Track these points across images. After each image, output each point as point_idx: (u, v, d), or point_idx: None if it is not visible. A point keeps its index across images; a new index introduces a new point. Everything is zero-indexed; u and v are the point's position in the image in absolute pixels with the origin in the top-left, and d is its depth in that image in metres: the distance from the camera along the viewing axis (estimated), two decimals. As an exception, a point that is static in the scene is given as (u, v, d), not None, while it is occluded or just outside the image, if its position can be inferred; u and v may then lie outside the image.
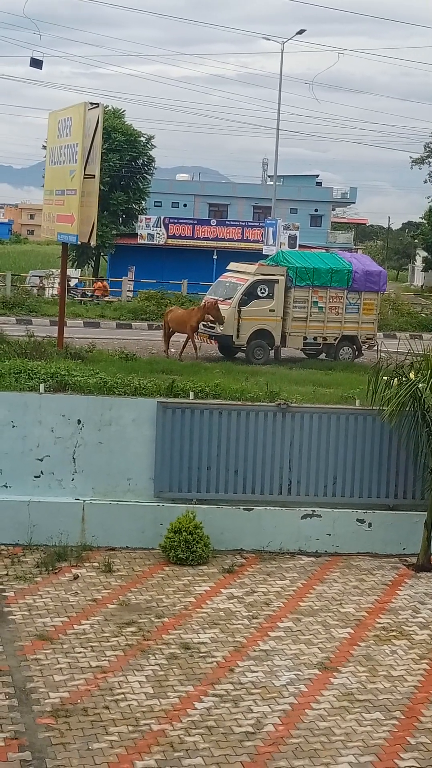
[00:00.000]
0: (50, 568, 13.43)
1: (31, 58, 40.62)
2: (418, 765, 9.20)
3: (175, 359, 25.40)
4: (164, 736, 9.44)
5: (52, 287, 44.00)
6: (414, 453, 14.92)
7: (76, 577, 13.27)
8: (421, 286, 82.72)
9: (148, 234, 55.53)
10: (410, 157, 66.14)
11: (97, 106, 21.59)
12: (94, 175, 21.36)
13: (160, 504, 14.71)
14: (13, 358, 18.27)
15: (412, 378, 14.56)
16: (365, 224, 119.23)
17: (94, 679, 10.50)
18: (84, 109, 21.18)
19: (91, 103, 21.70)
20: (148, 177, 56.54)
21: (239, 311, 27.40)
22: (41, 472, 14.62)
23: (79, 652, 11.09)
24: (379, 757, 9.31)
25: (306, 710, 10.13)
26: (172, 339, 27.60)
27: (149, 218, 56.81)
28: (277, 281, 27.95)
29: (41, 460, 14.61)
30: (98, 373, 17.20)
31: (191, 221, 59.67)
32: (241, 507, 14.84)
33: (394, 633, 12.23)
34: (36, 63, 40.61)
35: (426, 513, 14.58)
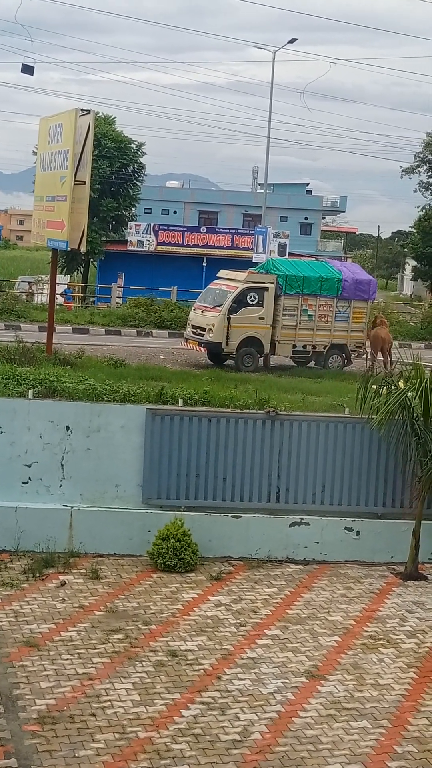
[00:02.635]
0: (37, 575, 13.39)
1: (22, 64, 40.57)
2: (404, 774, 9.19)
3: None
4: (151, 744, 9.42)
5: (42, 293, 43.92)
6: (402, 461, 14.94)
7: (63, 584, 13.23)
8: (411, 295, 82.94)
9: (138, 241, 55.51)
10: (400, 167, 66.12)
11: (88, 113, 21.58)
12: (85, 182, 21.34)
13: (148, 511, 14.69)
14: (1, 364, 18.21)
15: (401, 387, 14.59)
16: (355, 233, 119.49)
17: (80, 686, 10.47)
18: (75, 116, 21.16)
19: (82, 110, 21.68)
20: (138, 184, 56.50)
21: (229, 318, 27.37)
22: (29, 478, 14.59)
23: (66, 659, 11.06)
24: (366, 765, 9.31)
25: (293, 718, 10.12)
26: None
27: (139, 225, 56.79)
28: (266, 289, 27.95)
29: (29, 466, 14.58)
30: (87, 379, 17.17)
31: (181, 228, 59.69)
32: (230, 514, 14.84)
33: (381, 641, 12.23)
34: (27, 69, 40.56)
35: (414, 521, 14.59)
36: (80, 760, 9.04)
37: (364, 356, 29.41)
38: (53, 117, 23.37)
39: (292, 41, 51.46)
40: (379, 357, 28.43)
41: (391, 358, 27.74)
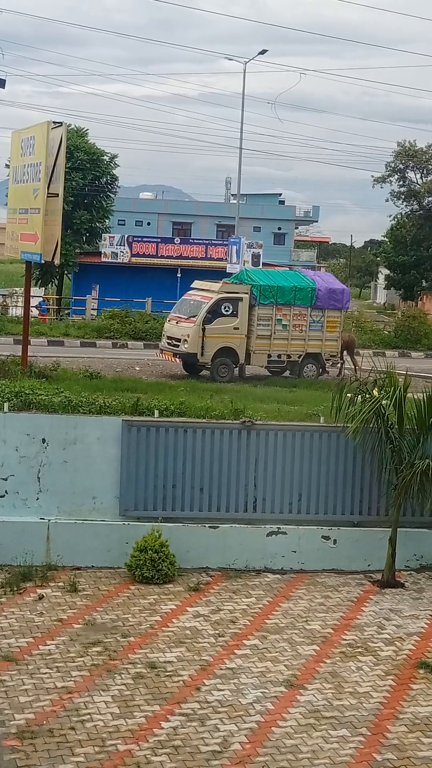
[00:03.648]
0: (15, 589, 13.33)
1: (-6, 77, 40.49)
2: (384, 781, 9.22)
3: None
4: (131, 757, 9.40)
5: (16, 306, 43.83)
6: (378, 469, 15.00)
7: (41, 597, 13.19)
8: (384, 303, 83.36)
9: (112, 252, 55.53)
10: (372, 176, 66.60)
11: (61, 125, 21.63)
12: (58, 194, 21.35)
13: (126, 522, 14.68)
14: (-24, 377, 18.17)
15: (375, 395, 14.66)
16: (328, 242, 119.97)
17: (59, 699, 10.43)
18: (47, 128, 21.20)
19: (55, 122, 21.73)
20: (112, 195, 56.57)
21: (203, 329, 27.45)
22: (5, 492, 14.54)
23: (45, 673, 11.02)
24: (346, 773, 9.32)
25: (273, 728, 10.13)
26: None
27: (113, 237, 56.81)
28: (241, 299, 28.05)
29: (5, 479, 14.53)
30: (63, 391, 17.15)
31: (155, 239, 59.76)
32: (207, 525, 14.84)
33: (359, 649, 12.26)
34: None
35: (390, 529, 14.65)
36: (60, 774, 9.01)
37: (339, 365, 29.55)
38: (25, 130, 23.39)
39: (262, 52, 51.79)
40: (347, 357, 28.75)
41: (354, 359, 28.12)
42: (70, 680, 10.89)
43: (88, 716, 10.12)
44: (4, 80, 40.88)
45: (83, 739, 9.65)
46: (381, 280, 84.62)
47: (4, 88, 40.65)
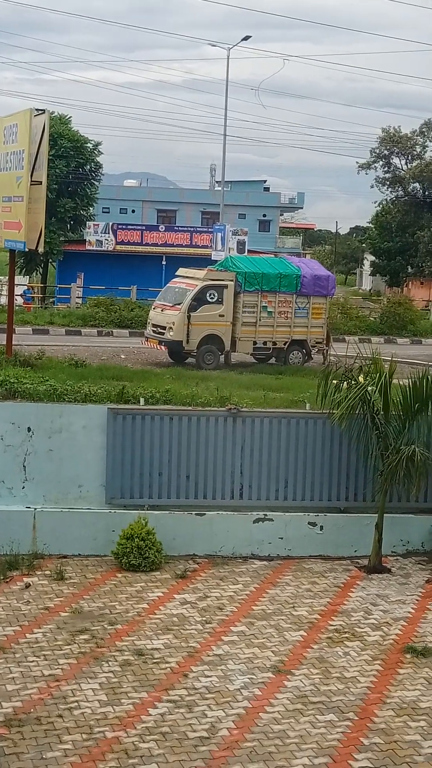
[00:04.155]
0: (1, 577, 13.33)
1: (-24, 64, 40.31)
2: (371, 765, 9.27)
3: None
4: (118, 744, 9.41)
5: (0, 294, 43.66)
6: (364, 455, 15.03)
7: (27, 586, 13.18)
8: (370, 290, 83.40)
9: (97, 240, 55.35)
10: (357, 163, 66.59)
11: (43, 113, 21.45)
12: (41, 182, 21.20)
13: (112, 510, 14.67)
14: (-39, 366, 18.08)
15: (361, 381, 14.67)
16: (313, 229, 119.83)
17: (47, 687, 10.44)
18: (30, 116, 21.04)
19: (37, 110, 21.55)
20: (96, 183, 56.29)
21: (189, 317, 27.38)
22: (-9, 481, 14.50)
23: (32, 661, 11.02)
24: (333, 758, 9.37)
25: (260, 714, 10.16)
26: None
27: (97, 224, 56.60)
28: (226, 286, 27.98)
29: (-9, 468, 14.49)
30: (48, 380, 17.07)
31: (139, 227, 59.57)
32: (194, 512, 14.85)
33: (346, 635, 12.30)
34: (-19, 69, 40.29)
35: (377, 515, 14.69)
36: (48, 761, 9.02)
37: (324, 351, 29.55)
38: (8, 117, 23.23)
39: (246, 38, 51.64)
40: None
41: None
42: (58, 668, 10.89)
43: (76, 704, 10.12)
44: (-13, 67, 40.64)
45: (71, 727, 9.65)
46: (366, 266, 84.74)
47: (-14, 75, 40.43)
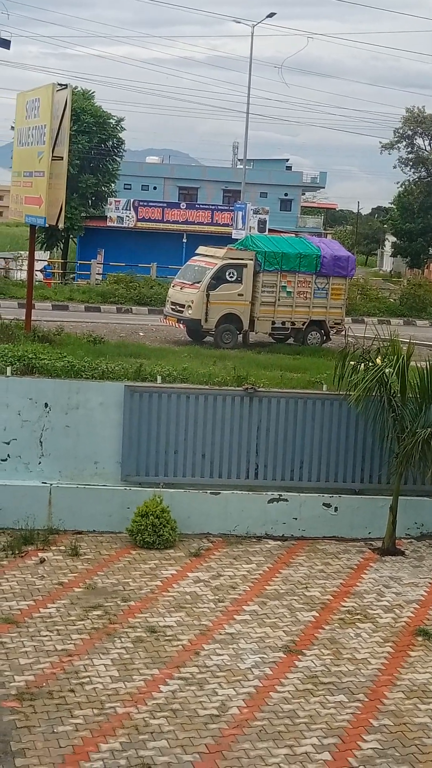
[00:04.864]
0: (16, 552, 13.40)
1: (-1, 38, 40.15)
2: (380, 747, 9.30)
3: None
4: (129, 719, 9.47)
5: (21, 269, 43.71)
6: (380, 438, 15.00)
7: (42, 561, 13.26)
8: (390, 271, 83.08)
9: (118, 217, 55.31)
10: (380, 142, 66.22)
11: (65, 88, 21.45)
12: (62, 157, 21.23)
13: (127, 488, 14.71)
14: (-21, 341, 18.15)
15: (378, 363, 14.63)
16: (335, 209, 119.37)
17: (59, 662, 10.51)
18: (52, 91, 21.03)
19: (60, 85, 21.56)
20: (118, 159, 56.21)
21: (208, 295, 27.37)
22: (8, 456, 14.58)
23: (45, 636, 11.09)
24: (343, 739, 9.40)
25: (270, 693, 10.20)
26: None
27: (119, 201, 56.55)
28: (245, 265, 27.95)
29: (8, 443, 14.56)
30: (66, 356, 17.13)
31: (161, 204, 59.49)
32: (208, 491, 14.88)
33: (358, 616, 12.32)
34: (4, 43, 40.12)
35: (391, 497, 14.67)
36: (59, 735, 9.09)
37: (343, 332, 29.48)
38: (30, 92, 23.22)
39: (270, 15, 51.39)
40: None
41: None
42: (70, 643, 10.96)
43: (88, 679, 10.19)
44: (9, 41, 40.58)
45: (82, 702, 9.72)
46: (387, 247, 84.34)
47: (8, 48, 40.35)
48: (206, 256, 29.23)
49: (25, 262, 36.21)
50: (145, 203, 57.85)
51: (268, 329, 28.75)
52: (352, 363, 14.84)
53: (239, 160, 78.04)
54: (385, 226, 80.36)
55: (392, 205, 72.77)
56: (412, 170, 65.72)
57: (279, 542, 14.73)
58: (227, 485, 15.06)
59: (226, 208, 59.17)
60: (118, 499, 14.56)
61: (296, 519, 15.02)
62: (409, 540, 15.22)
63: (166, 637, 11.29)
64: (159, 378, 15.90)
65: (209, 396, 15.12)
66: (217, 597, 12.54)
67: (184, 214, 57.19)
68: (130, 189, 74.11)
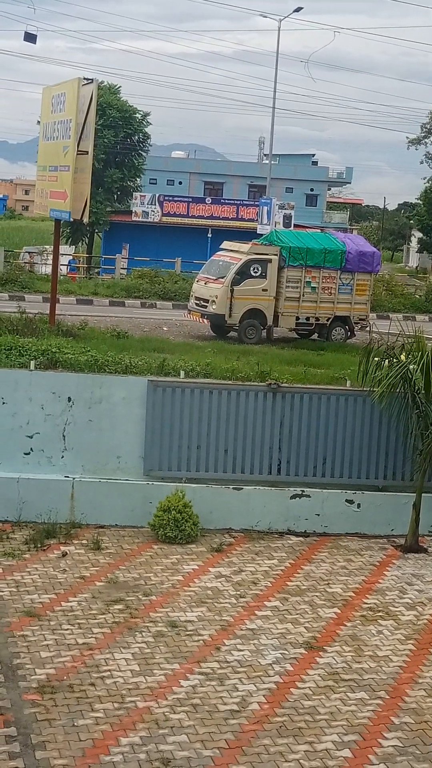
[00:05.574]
0: (39, 545, 13.45)
1: (25, 32, 40.27)
2: (401, 745, 9.27)
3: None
4: (149, 714, 9.48)
5: (46, 264, 43.82)
6: (403, 434, 14.94)
7: (64, 555, 13.29)
8: (416, 267, 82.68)
9: (143, 211, 55.31)
10: (407, 138, 65.97)
11: (91, 82, 21.41)
12: (88, 152, 21.21)
13: (150, 482, 14.72)
14: (4, 335, 18.18)
15: (402, 359, 14.56)
16: (361, 204, 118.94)
17: (80, 656, 10.53)
18: (78, 85, 21.01)
19: (86, 79, 21.53)
20: (144, 154, 56.22)
21: (232, 290, 27.31)
22: (31, 449, 14.62)
23: (66, 629, 11.12)
24: (363, 736, 9.37)
25: (291, 689, 10.19)
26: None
27: (144, 196, 56.55)
28: (270, 261, 27.85)
29: (31, 437, 14.61)
30: (89, 350, 17.14)
31: (186, 199, 59.43)
32: (231, 486, 14.86)
33: (380, 613, 12.28)
34: (30, 37, 40.26)
35: (415, 494, 14.61)
36: (79, 729, 9.12)
37: (368, 329, 29.35)
38: (56, 86, 23.21)
39: (297, 10, 51.12)
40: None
41: None
42: (92, 637, 10.99)
43: (108, 673, 10.21)
44: (35, 35, 40.67)
45: (103, 695, 9.74)
46: (414, 243, 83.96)
47: (35, 43, 40.44)
48: (231, 251, 29.15)
49: (50, 257, 36.34)
50: (170, 198, 57.83)
51: (292, 325, 28.62)
52: (376, 359, 14.79)
53: (265, 155, 77.97)
54: (412, 221, 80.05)
55: (419, 201, 72.41)
56: (440, 166, 65.38)
57: (301, 538, 14.70)
58: (250, 481, 15.04)
59: (251, 203, 59.02)
60: (141, 493, 14.58)
61: (319, 515, 14.99)
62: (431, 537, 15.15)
63: (187, 632, 11.30)
64: (182, 373, 15.89)
65: (232, 391, 15.10)
66: (238, 592, 12.53)
67: (209, 209, 57.11)
68: (156, 184, 74.13)
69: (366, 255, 29.38)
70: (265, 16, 52.58)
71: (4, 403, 14.55)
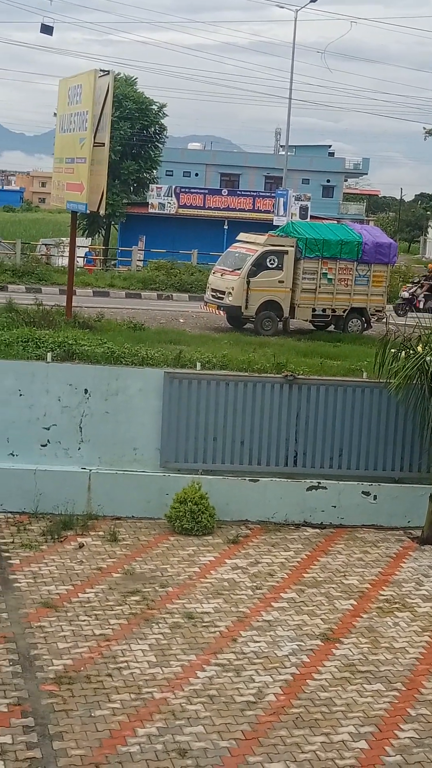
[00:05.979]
0: (56, 537, 13.49)
1: (42, 24, 40.33)
2: (417, 736, 9.26)
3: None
4: (166, 705, 9.51)
5: (63, 256, 43.90)
6: (420, 426, 14.91)
7: (81, 546, 13.34)
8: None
9: (159, 203, 55.36)
10: (424, 128, 65.64)
11: (108, 74, 21.44)
12: (104, 144, 21.25)
13: (166, 474, 14.75)
14: (21, 327, 18.25)
15: (419, 351, 14.53)
16: (377, 195, 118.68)
17: (97, 647, 10.57)
18: (94, 77, 21.03)
19: (102, 71, 21.54)
20: (160, 146, 56.28)
21: (248, 282, 27.31)
22: (48, 441, 14.66)
23: (83, 620, 11.16)
24: (380, 728, 9.38)
25: (307, 681, 10.19)
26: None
27: (160, 187, 56.61)
28: (286, 252, 27.84)
29: (48, 429, 14.65)
30: (106, 342, 17.18)
31: (202, 191, 59.44)
32: (247, 478, 14.87)
33: (397, 605, 12.28)
34: (46, 29, 40.32)
35: (431, 486, 14.58)
36: (96, 719, 9.15)
37: (383, 320, 29.31)
38: (72, 78, 23.24)
39: (314, 0, 50.89)
40: None
41: None
42: (108, 628, 11.02)
43: (125, 664, 10.25)
44: (51, 27, 40.71)
45: (120, 686, 9.78)
46: (431, 234, 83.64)
47: (51, 35, 40.47)
48: (247, 242, 29.15)
49: (67, 249, 36.43)
50: (186, 190, 57.84)
51: (308, 316, 28.62)
52: (392, 351, 14.76)
53: (281, 146, 77.75)
54: (429, 212, 79.73)
55: (435, 192, 72.06)
56: (456, 156, 65.05)
57: (317, 530, 14.71)
58: (266, 472, 15.05)
59: (267, 194, 58.97)
60: (157, 485, 14.61)
61: (335, 507, 14.98)
62: (448, 529, 15.10)
63: (204, 624, 11.32)
64: (198, 365, 15.90)
65: (249, 383, 15.10)
66: (254, 584, 12.55)
67: (225, 201, 57.11)
68: (172, 175, 74.15)
69: (383, 246, 29.34)
70: (282, 7, 52.38)
71: (21, 395, 14.60)
